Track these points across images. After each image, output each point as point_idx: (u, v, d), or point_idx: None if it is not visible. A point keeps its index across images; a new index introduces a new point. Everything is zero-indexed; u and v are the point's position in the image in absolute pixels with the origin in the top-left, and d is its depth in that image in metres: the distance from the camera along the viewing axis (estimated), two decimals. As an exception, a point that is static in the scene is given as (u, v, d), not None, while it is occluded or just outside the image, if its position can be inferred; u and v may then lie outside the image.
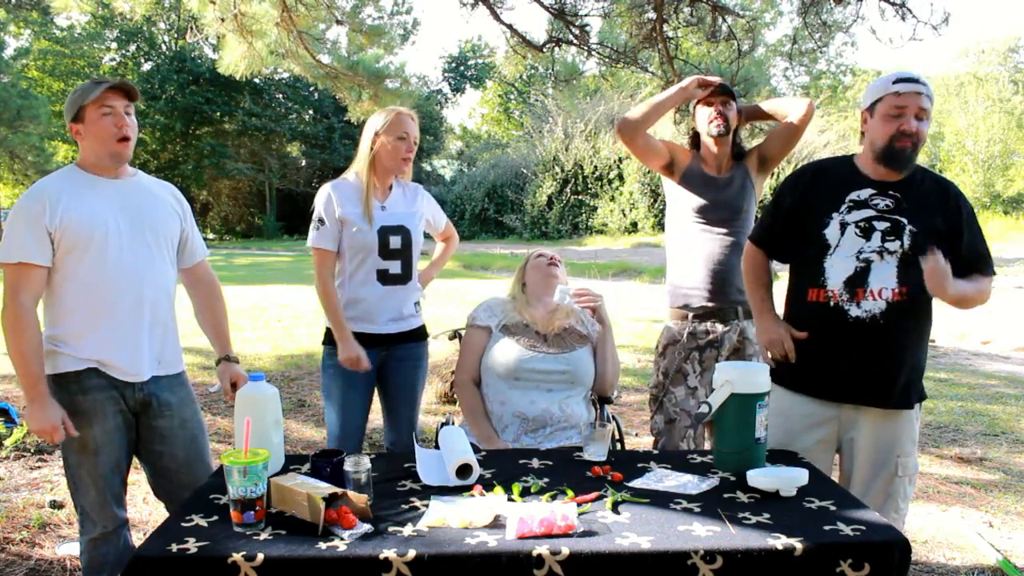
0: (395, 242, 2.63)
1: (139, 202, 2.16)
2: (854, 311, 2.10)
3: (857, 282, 2.10)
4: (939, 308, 2.14)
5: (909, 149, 2.09)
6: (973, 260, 2.15)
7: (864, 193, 2.15)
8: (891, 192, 2.13)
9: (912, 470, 2.18)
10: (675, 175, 2.92)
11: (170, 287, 2.22)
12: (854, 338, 2.11)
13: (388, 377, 2.75)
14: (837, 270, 2.12)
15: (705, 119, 2.84)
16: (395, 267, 2.64)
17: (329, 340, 2.66)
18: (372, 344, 2.62)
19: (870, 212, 2.12)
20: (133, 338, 2.11)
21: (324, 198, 2.62)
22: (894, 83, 2.09)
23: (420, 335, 2.78)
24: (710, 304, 2.83)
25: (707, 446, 2.89)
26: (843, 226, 2.14)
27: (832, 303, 2.12)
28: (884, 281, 2.08)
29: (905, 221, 2.10)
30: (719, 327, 2.83)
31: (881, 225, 2.10)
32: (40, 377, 2.00)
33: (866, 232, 2.11)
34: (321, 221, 2.60)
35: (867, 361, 2.11)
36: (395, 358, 2.72)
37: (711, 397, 1.95)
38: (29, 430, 2.17)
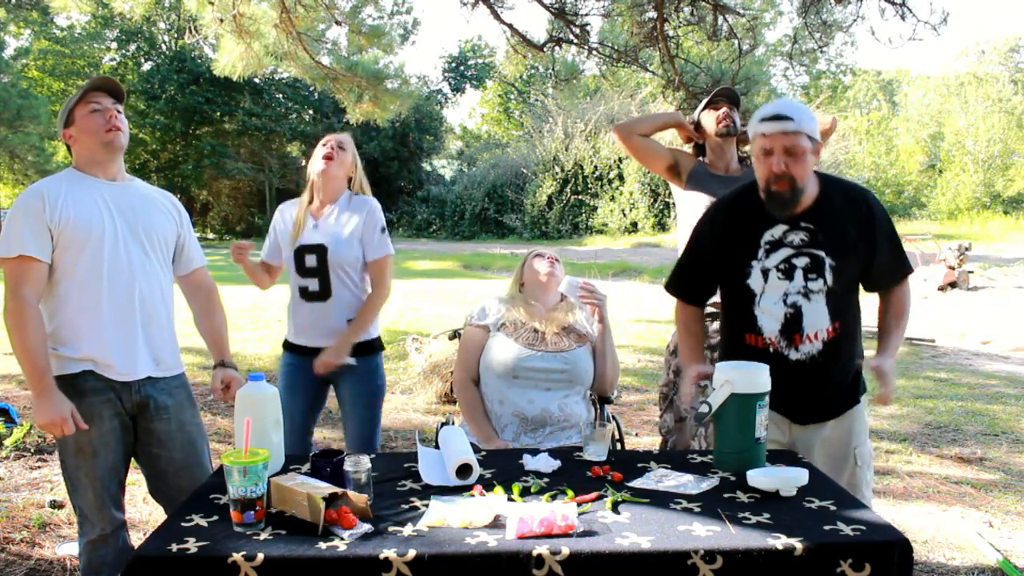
0: (310, 260, 2.68)
1: (134, 204, 2.17)
2: (793, 355, 2.09)
3: (792, 328, 2.08)
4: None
5: (787, 192, 2.01)
6: (893, 271, 2.15)
7: (778, 231, 2.08)
8: (803, 224, 2.07)
9: (868, 457, 2.19)
10: (681, 177, 2.97)
11: (165, 288, 2.22)
12: (795, 376, 2.09)
13: (340, 389, 2.78)
14: (769, 318, 2.10)
15: (713, 121, 2.94)
16: (313, 284, 2.69)
17: (285, 347, 2.87)
18: (313, 355, 2.68)
19: (788, 251, 2.07)
20: (127, 336, 2.11)
21: (274, 217, 2.87)
22: (760, 122, 2.01)
23: (366, 349, 2.73)
24: None
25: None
26: (764, 272, 2.09)
27: (771, 349, 2.11)
28: (817, 323, 2.07)
29: (823, 255, 2.05)
30: None
31: (801, 262, 2.06)
32: (46, 370, 1.99)
33: (787, 273, 2.07)
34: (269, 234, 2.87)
35: (810, 393, 2.12)
36: (345, 370, 2.69)
37: (711, 397, 1.95)
38: (36, 424, 2.15)
